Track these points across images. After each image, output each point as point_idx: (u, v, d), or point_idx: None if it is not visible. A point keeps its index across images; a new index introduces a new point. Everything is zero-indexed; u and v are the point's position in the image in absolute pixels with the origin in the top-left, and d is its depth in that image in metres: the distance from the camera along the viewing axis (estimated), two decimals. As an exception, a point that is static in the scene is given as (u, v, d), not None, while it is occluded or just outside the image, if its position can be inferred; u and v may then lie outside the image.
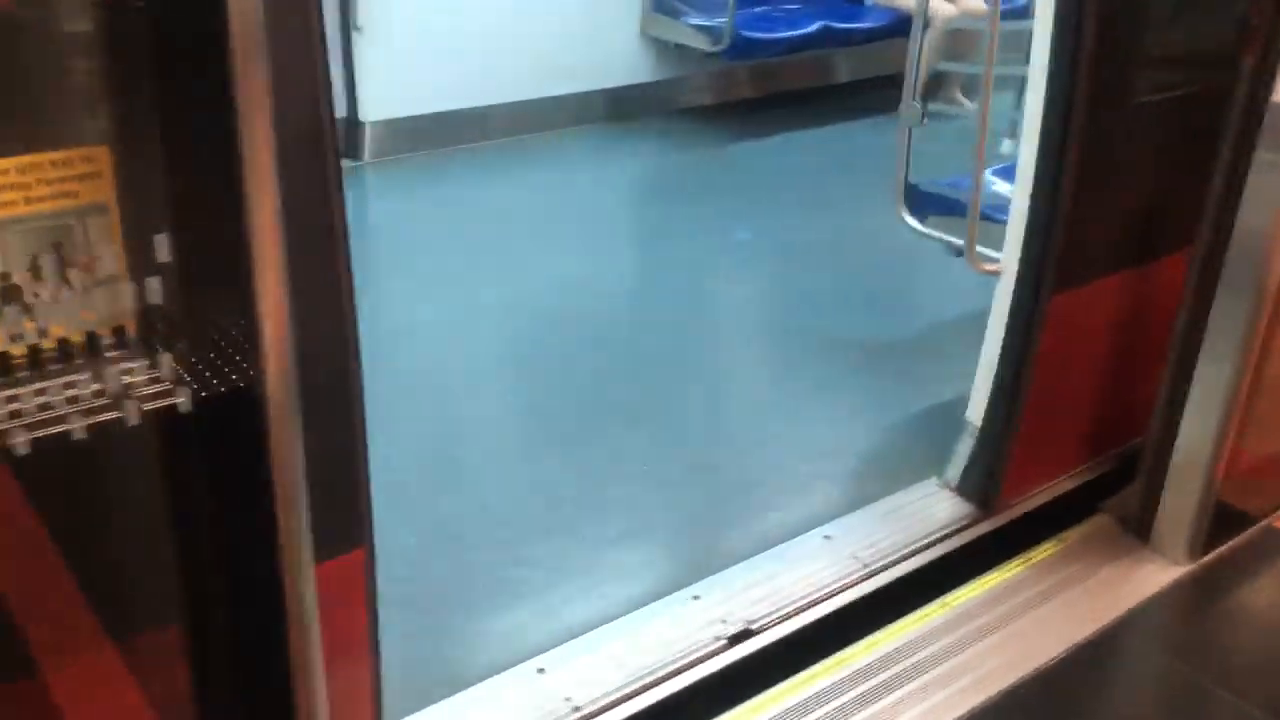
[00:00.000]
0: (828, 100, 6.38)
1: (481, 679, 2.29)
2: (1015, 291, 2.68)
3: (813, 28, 5.92)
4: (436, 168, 5.40)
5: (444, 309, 3.98)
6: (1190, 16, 2.60)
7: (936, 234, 3.37)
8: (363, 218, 5.10)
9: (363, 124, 5.34)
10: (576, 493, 2.97)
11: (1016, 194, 2.65)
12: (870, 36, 6.13)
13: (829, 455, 3.17)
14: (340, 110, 5.36)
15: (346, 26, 5.15)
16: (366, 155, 5.38)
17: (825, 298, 4.16)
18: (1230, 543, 2.84)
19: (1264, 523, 2.93)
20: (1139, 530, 2.84)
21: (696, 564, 2.70)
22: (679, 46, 5.97)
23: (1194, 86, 2.59)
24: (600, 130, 6.00)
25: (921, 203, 3.47)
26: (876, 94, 5.79)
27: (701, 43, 5.75)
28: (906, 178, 3.30)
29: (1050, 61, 2.44)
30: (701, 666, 2.36)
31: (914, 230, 3.39)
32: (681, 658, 2.36)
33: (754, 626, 2.47)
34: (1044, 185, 2.53)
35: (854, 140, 5.77)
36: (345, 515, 1.65)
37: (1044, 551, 2.79)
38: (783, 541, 2.76)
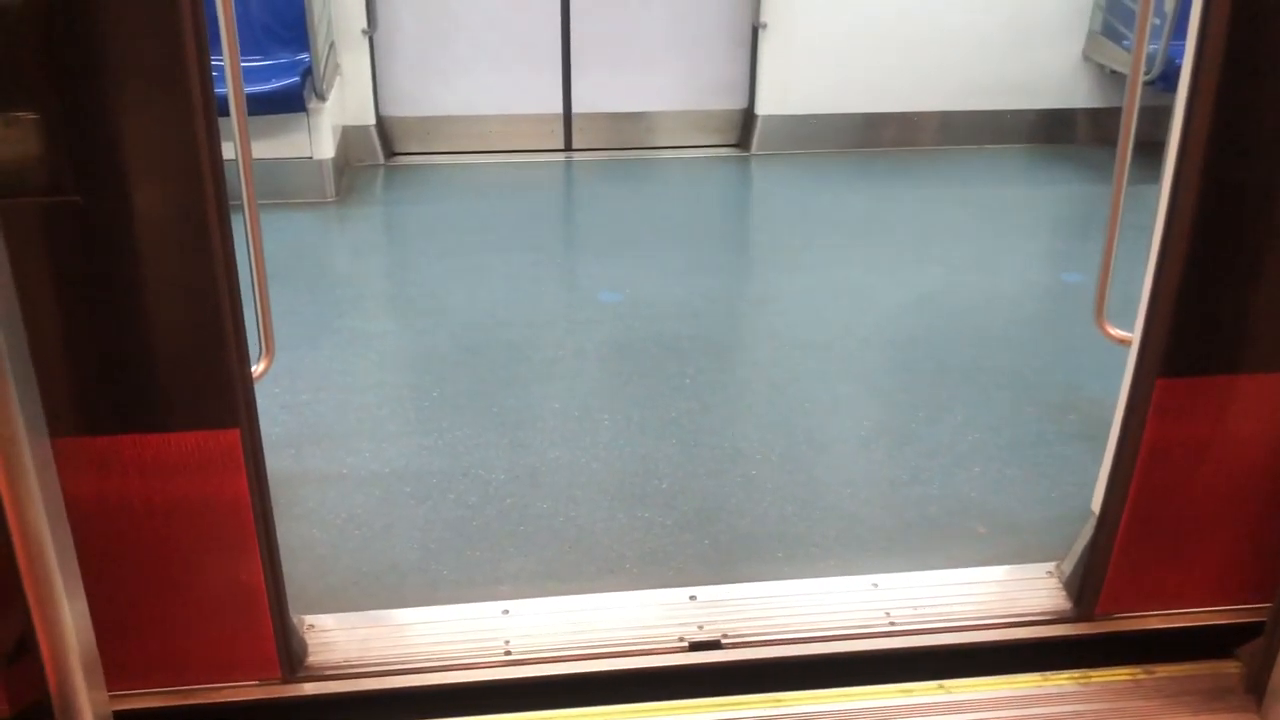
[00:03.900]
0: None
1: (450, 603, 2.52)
2: (1134, 369, 2.30)
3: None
4: (822, 168, 5.49)
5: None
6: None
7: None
8: (742, 206, 5.38)
9: (756, 117, 5.58)
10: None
11: (1151, 255, 2.27)
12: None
13: (973, 513, 2.91)
14: (741, 102, 5.67)
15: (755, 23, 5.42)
16: (755, 147, 5.61)
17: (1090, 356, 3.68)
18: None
19: None
20: (1257, 689, 2.30)
21: (734, 569, 2.69)
22: (1114, 73, 5.47)
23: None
24: (1021, 151, 5.71)
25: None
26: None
27: (1134, 69, 5.20)
28: None
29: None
30: (647, 659, 2.38)
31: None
32: (631, 645, 2.40)
33: (725, 640, 2.42)
34: (1163, 239, 2.14)
35: None
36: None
37: (1113, 675, 2.37)
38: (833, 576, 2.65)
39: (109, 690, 1.97)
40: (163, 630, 2.16)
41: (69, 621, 1.76)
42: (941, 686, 2.35)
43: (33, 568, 1.63)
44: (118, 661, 2.03)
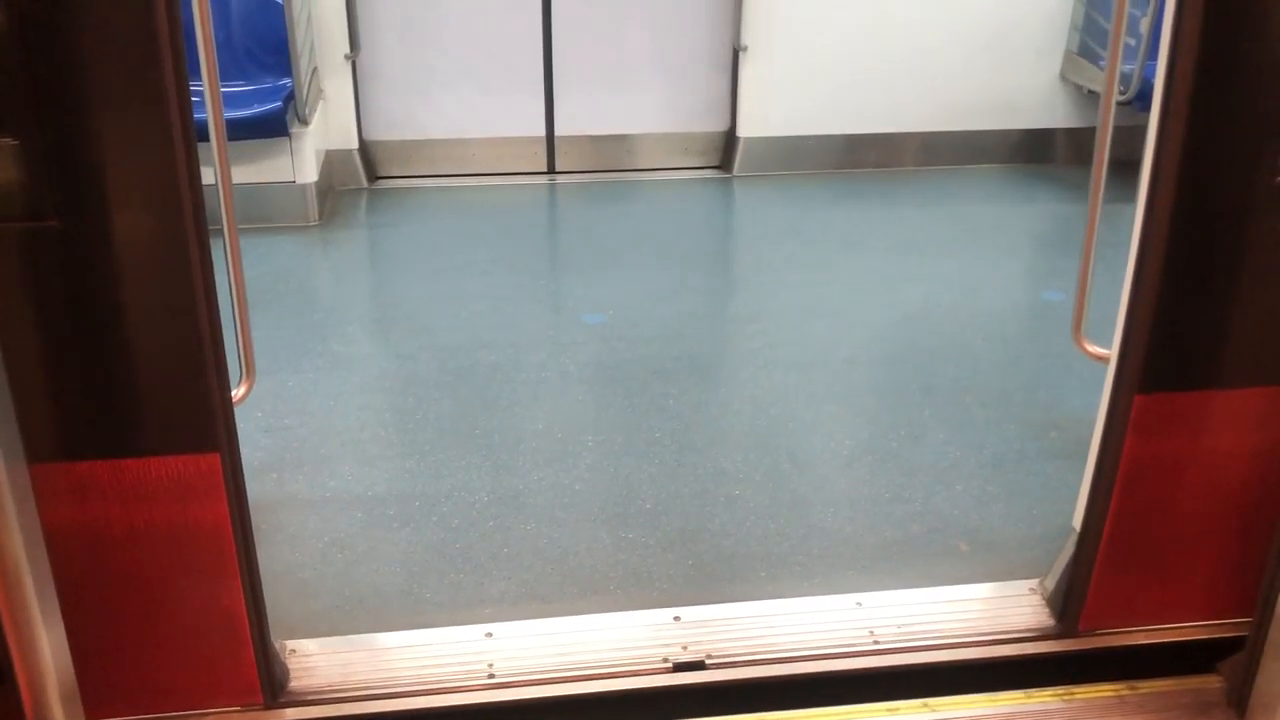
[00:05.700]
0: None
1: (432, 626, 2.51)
2: (1112, 385, 2.32)
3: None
4: (804, 189, 5.52)
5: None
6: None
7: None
8: (725, 227, 5.39)
9: (738, 139, 5.61)
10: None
11: (1128, 273, 2.29)
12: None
13: (955, 531, 2.92)
14: (723, 124, 5.70)
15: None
16: (737, 169, 5.64)
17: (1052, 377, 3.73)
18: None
19: None
20: (1239, 704, 2.31)
21: (718, 588, 2.69)
22: (1091, 93, 5.53)
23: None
24: (1000, 171, 5.76)
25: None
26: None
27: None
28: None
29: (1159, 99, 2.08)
30: (631, 680, 2.37)
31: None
32: (615, 666, 2.39)
33: (709, 661, 2.42)
34: (1139, 257, 2.16)
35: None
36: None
37: (1097, 691, 2.37)
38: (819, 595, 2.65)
39: (87, 718, 1.96)
40: (142, 657, 2.15)
41: (46, 649, 1.75)
42: (926, 705, 2.35)
43: (9, 595, 1.63)
44: (96, 689, 2.01)
